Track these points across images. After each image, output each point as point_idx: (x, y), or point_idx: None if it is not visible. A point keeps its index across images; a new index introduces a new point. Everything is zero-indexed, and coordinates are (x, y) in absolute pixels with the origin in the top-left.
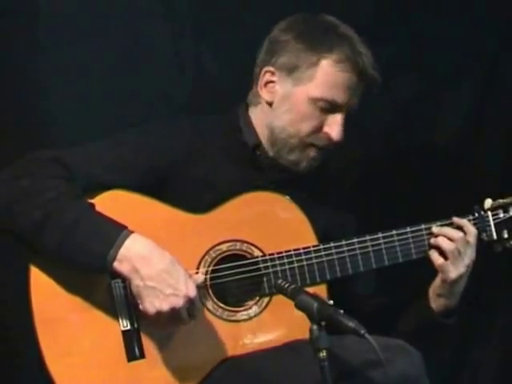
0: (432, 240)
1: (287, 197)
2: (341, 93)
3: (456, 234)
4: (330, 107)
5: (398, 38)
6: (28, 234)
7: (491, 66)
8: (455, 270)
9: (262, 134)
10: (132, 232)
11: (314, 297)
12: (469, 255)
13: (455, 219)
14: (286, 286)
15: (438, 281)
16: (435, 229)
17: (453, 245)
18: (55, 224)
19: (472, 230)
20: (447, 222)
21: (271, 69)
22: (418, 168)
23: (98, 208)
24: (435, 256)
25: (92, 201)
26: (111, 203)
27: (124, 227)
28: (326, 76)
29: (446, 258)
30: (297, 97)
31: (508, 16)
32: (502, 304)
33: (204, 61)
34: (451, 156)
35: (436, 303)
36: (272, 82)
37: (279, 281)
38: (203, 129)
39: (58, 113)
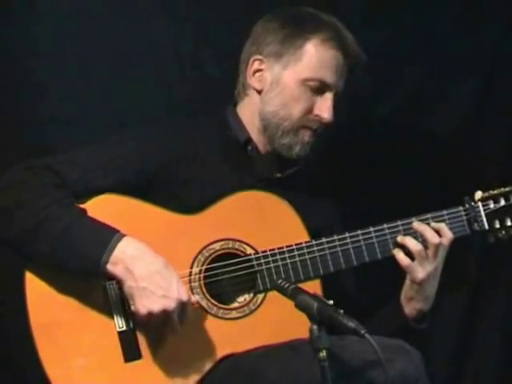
0: (399, 239)
1: (278, 195)
2: (328, 72)
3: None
4: (319, 87)
5: (398, 38)
6: (21, 242)
7: (491, 66)
8: (423, 270)
9: (252, 128)
10: (124, 235)
11: (314, 297)
12: (438, 257)
13: (433, 225)
14: (286, 286)
15: (407, 283)
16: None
17: (419, 245)
18: (48, 231)
19: (448, 234)
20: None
21: (259, 57)
22: (417, 166)
23: (90, 213)
24: (401, 256)
25: (83, 206)
26: (103, 208)
27: (116, 230)
28: (312, 56)
29: (412, 258)
30: (286, 80)
31: (508, 16)
32: (502, 303)
33: (204, 61)
34: (451, 155)
35: (408, 308)
36: (260, 70)
37: (279, 281)
38: (192, 129)
39: (57, 113)
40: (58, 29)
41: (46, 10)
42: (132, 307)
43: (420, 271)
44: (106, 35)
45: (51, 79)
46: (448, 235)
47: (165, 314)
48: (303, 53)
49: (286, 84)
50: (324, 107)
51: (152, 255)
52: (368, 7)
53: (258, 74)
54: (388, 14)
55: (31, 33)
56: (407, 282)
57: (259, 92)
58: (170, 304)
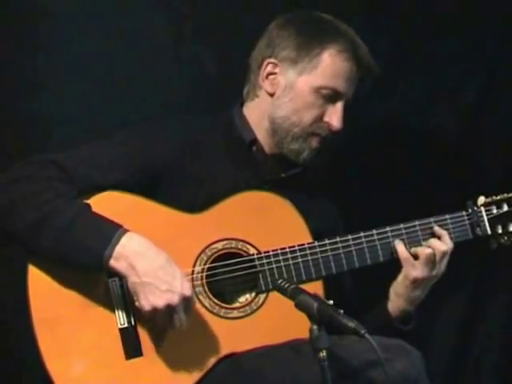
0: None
1: (282, 196)
2: (342, 82)
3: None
4: (331, 96)
5: (399, 39)
6: (25, 235)
7: (491, 66)
8: (422, 271)
9: (259, 129)
10: (127, 230)
11: (314, 297)
12: (441, 265)
13: (436, 228)
14: (286, 286)
15: (399, 278)
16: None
17: (430, 250)
18: (52, 225)
19: (449, 243)
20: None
21: (273, 60)
22: (417, 168)
23: (95, 209)
24: (401, 249)
25: (88, 202)
26: (107, 204)
27: (120, 226)
28: (328, 66)
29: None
30: (300, 86)
31: (508, 16)
32: (502, 304)
33: (204, 61)
34: (451, 156)
35: (394, 304)
36: (274, 73)
37: (279, 281)
38: (197, 128)
39: (57, 113)
40: (57, 28)
41: (45, 10)
42: (136, 303)
43: (419, 269)
44: (105, 35)
45: (51, 78)
46: (449, 243)
47: (169, 308)
48: (319, 61)
49: (299, 90)
50: (334, 116)
51: (155, 250)
52: (369, 10)
53: (271, 77)
54: (389, 16)
55: (31, 32)
56: (400, 277)
57: (271, 95)
58: (174, 298)
